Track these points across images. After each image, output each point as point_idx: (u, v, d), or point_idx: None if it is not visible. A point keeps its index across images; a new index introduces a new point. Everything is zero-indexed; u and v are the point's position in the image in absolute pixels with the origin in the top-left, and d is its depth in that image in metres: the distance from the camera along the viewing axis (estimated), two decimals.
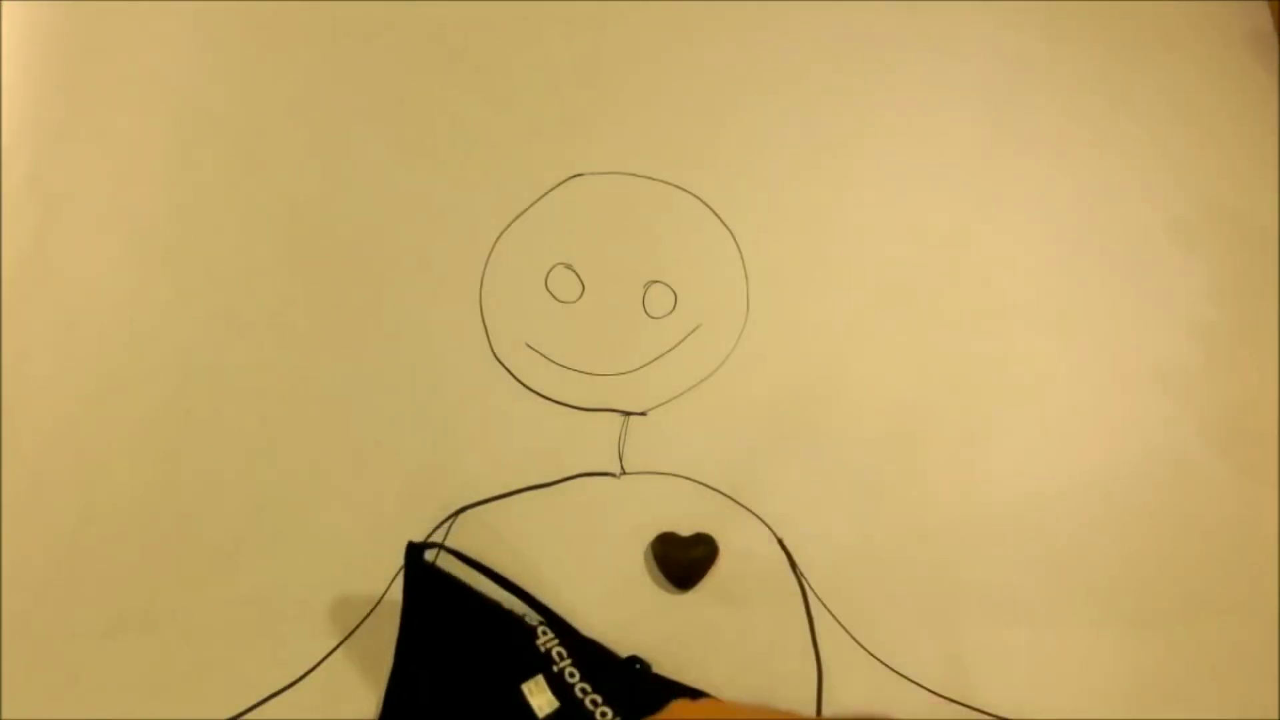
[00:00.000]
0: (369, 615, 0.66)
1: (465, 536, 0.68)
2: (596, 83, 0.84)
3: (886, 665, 0.66)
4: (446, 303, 0.76)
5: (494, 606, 0.65)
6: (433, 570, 0.66)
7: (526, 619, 0.64)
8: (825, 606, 0.67)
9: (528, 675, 0.61)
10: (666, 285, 0.77)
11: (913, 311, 0.77)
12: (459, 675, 0.62)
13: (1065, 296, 0.78)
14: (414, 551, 0.65)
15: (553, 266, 0.78)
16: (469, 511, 0.69)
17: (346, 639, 0.65)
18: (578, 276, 0.77)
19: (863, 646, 0.66)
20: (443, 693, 0.62)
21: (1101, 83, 0.86)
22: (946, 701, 0.65)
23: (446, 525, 0.68)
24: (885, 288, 0.78)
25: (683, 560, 0.68)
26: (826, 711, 0.64)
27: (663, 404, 0.73)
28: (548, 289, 0.77)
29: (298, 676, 0.64)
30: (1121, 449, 0.73)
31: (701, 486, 0.71)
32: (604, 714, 0.60)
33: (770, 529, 0.70)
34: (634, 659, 0.63)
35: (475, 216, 0.79)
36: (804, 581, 0.68)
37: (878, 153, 0.83)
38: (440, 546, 0.67)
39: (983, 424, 0.73)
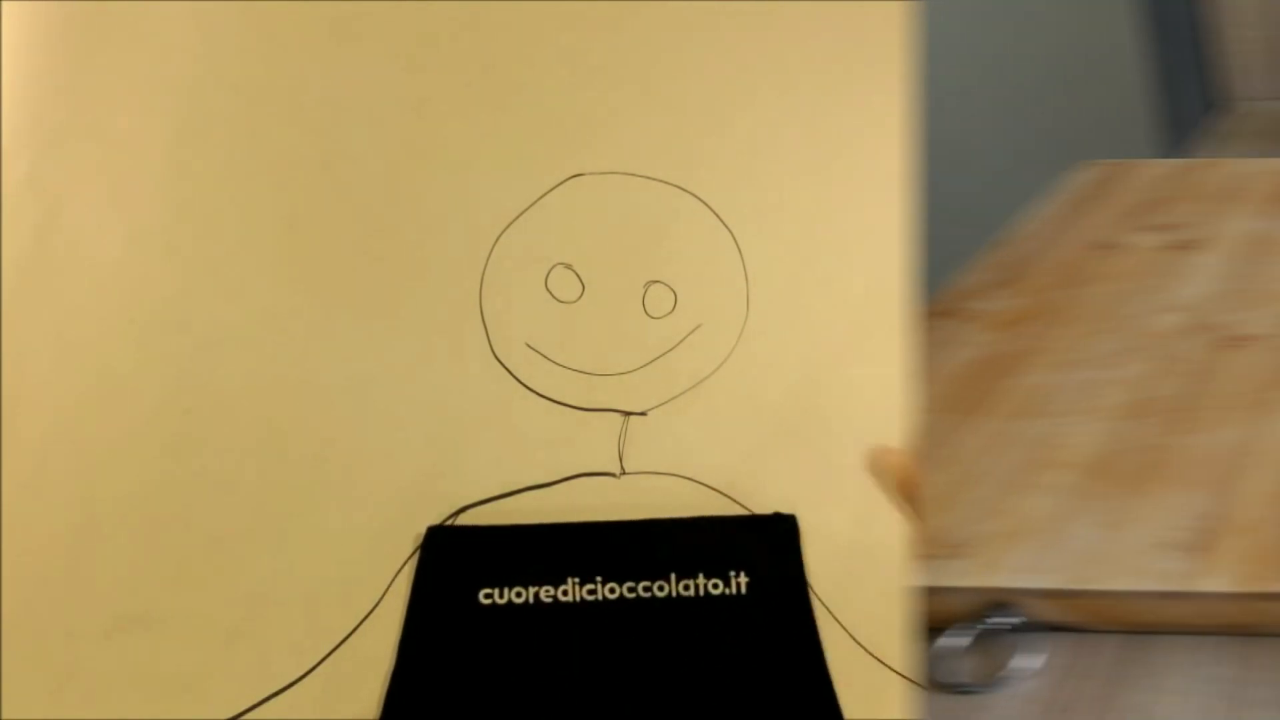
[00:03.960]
0: (370, 614, 0.66)
1: None
2: (596, 83, 0.84)
3: (886, 665, 0.66)
4: (446, 303, 0.76)
5: None
6: (454, 531, 0.67)
7: None
8: (825, 606, 0.67)
9: None
10: (666, 285, 0.77)
11: (912, 311, 0.77)
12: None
13: None
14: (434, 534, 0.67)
15: (553, 266, 0.78)
16: (469, 511, 0.69)
17: (347, 639, 0.65)
18: (578, 276, 0.77)
19: (862, 646, 0.66)
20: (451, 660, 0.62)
21: None
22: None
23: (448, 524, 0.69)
24: (885, 287, 0.78)
25: None
26: None
27: (663, 404, 0.73)
28: (548, 289, 0.77)
29: (298, 676, 0.64)
30: None
31: (701, 486, 0.71)
32: None
33: None
34: None
35: (475, 217, 0.79)
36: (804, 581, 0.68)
37: (878, 152, 0.83)
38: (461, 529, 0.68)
39: None
